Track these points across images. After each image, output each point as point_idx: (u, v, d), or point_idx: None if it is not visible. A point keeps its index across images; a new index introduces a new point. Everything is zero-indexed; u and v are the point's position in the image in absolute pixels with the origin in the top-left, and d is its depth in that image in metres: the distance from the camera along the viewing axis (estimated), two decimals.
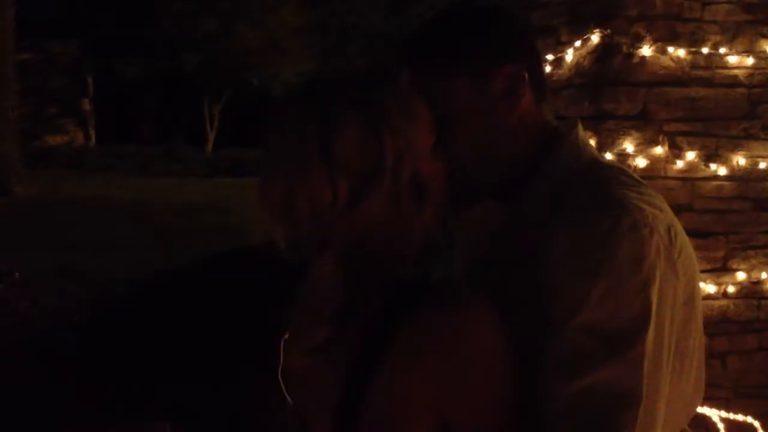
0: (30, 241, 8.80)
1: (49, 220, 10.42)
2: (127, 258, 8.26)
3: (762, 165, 3.51)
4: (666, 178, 3.42)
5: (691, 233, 1.18)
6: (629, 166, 3.30)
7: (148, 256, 8.35)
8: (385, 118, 1.05)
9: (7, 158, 12.19)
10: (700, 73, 3.46)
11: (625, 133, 3.38)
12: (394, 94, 1.09)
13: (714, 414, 3.39)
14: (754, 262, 3.54)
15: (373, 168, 1.04)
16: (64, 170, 16.69)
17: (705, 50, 3.45)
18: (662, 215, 1.11)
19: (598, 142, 3.32)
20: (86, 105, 21.45)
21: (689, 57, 3.43)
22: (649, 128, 3.41)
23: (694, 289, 1.15)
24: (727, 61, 3.47)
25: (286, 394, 1.21)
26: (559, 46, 3.60)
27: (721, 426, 3.38)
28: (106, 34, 19.80)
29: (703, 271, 3.44)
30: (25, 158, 13.19)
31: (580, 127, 1.25)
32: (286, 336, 1.19)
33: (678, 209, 3.41)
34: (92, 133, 21.61)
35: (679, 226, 1.14)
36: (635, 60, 3.39)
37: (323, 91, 1.09)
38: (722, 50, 3.46)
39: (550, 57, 3.59)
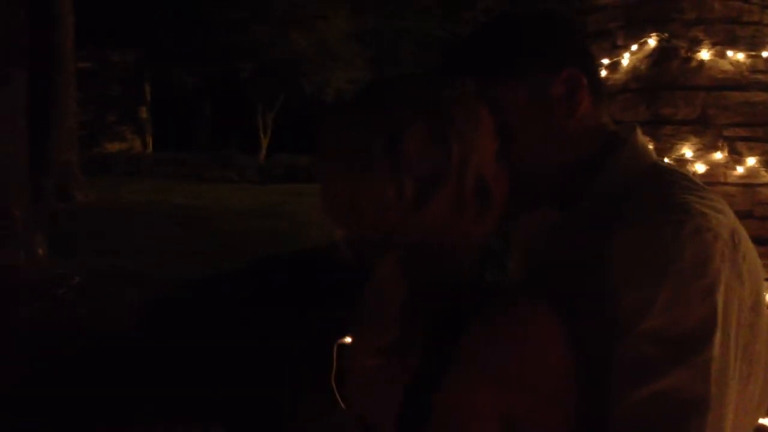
0: (88, 246, 9.00)
1: (107, 225, 10.64)
2: (182, 262, 8.40)
3: None
4: (726, 184, 3.36)
5: (752, 240, 1.17)
6: (688, 171, 3.25)
7: (201, 260, 8.48)
8: (451, 122, 1.06)
9: (67, 165, 12.48)
10: (759, 77, 3.38)
11: (683, 138, 3.32)
12: (460, 99, 1.09)
13: None
14: None
15: (438, 170, 1.05)
16: (122, 176, 17.04)
17: (765, 54, 3.37)
18: (725, 219, 1.10)
19: (655, 148, 3.27)
20: (143, 113, 21.89)
21: (749, 61, 3.36)
22: (708, 133, 3.35)
23: (759, 294, 1.13)
24: None
25: (338, 397, 1.22)
26: (615, 50, 3.56)
27: None
28: (163, 43, 20.16)
29: (765, 279, 3.35)
30: (84, 165, 13.49)
31: (639, 130, 1.24)
32: (343, 339, 1.20)
33: (738, 216, 3.34)
34: (149, 140, 22.03)
35: (742, 231, 1.13)
36: (693, 64, 3.34)
37: (389, 93, 1.10)
38: None
39: (605, 61, 3.55)
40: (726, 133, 3.36)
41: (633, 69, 3.46)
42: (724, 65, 3.36)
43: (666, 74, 3.35)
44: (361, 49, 21.66)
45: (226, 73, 21.04)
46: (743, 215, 3.33)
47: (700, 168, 3.31)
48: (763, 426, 3.32)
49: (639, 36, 3.42)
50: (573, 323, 1.04)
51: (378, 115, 1.06)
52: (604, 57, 3.55)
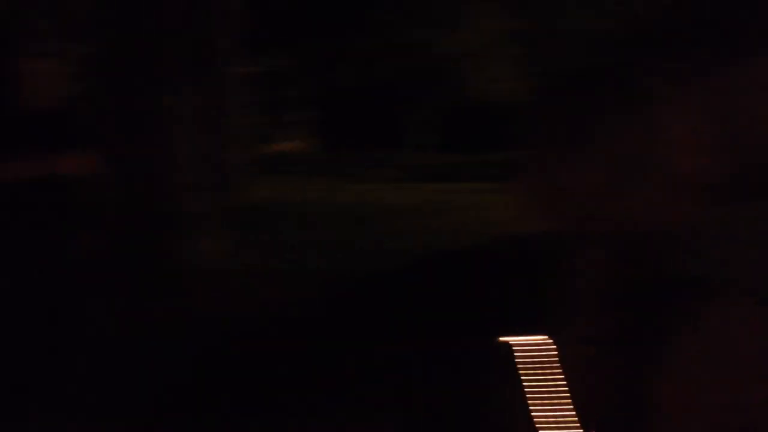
0: (258, 243, 9.31)
1: (276, 223, 10.98)
2: (348, 258, 8.53)
3: None
4: None
5: None
6: None
7: (367, 257, 8.59)
8: (651, 113, 0.97)
9: (236, 164, 13.00)
10: None
11: None
12: (665, 89, 0.99)
13: None
14: None
15: (638, 161, 0.96)
16: (290, 175, 17.57)
17: None
18: None
19: None
20: (310, 112, 22.52)
21: None
22: None
23: None
24: None
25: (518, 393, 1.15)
26: None
27: None
28: (326, 44, 20.66)
29: None
30: (252, 164, 14.00)
31: None
32: (503, 338, 1.14)
33: None
34: (316, 139, 22.64)
35: None
36: None
37: (586, 86, 1.02)
38: None
39: None
40: None
41: None
42: None
43: None
44: (519, 47, 21.35)
45: (386, 72, 21.30)
46: None
47: None
48: None
49: None
50: None
51: (577, 108, 0.98)
52: None
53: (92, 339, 5.73)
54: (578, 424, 0.91)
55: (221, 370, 5.17)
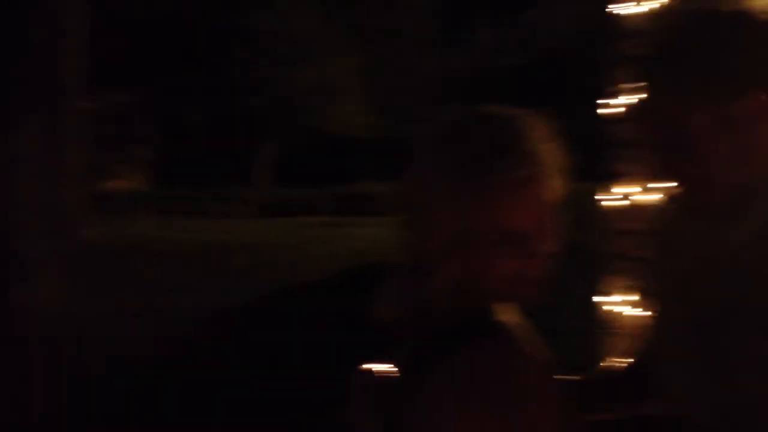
0: (95, 284, 8.99)
1: (113, 263, 10.66)
2: (190, 297, 8.42)
3: None
4: None
5: None
6: None
7: (209, 295, 8.52)
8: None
9: (71, 203, 12.49)
10: None
11: None
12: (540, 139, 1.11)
13: None
14: None
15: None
16: (126, 213, 17.04)
17: None
18: None
19: None
20: (146, 150, 21.97)
21: None
22: None
23: None
24: None
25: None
26: None
27: None
28: (166, 82, 20.30)
29: None
30: (88, 203, 13.47)
31: None
32: (365, 366, 1.27)
33: None
34: (152, 176, 22.09)
35: None
36: None
37: (474, 129, 1.15)
38: None
39: None
40: None
41: None
42: None
43: None
44: (365, 83, 21.76)
45: (230, 109, 21.16)
46: None
47: None
48: None
49: None
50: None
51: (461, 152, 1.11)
52: None
53: None
54: None
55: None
